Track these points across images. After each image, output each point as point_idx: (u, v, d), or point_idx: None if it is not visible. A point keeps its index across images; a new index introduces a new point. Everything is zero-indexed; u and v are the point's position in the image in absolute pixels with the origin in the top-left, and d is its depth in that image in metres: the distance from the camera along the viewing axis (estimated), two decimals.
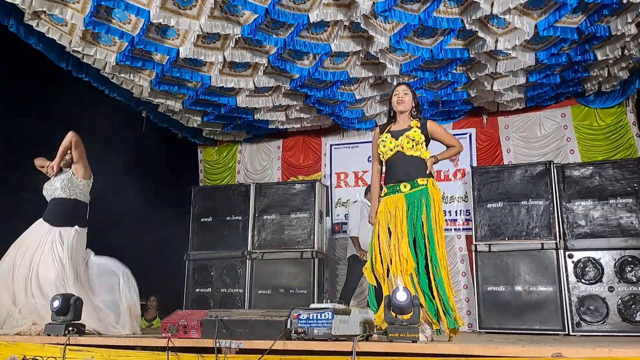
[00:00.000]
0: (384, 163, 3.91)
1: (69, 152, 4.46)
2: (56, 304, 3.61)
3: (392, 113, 3.97)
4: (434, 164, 3.78)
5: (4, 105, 5.78)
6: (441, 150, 3.93)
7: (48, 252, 4.21)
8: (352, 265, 6.42)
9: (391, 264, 3.58)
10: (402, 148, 3.74)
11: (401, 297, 2.92)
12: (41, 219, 4.41)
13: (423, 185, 3.68)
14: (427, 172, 3.73)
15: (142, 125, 7.38)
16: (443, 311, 3.52)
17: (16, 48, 5.63)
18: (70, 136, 4.38)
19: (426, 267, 3.55)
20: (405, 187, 3.70)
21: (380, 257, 3.67)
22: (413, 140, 3.73)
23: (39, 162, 4.62)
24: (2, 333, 3.86)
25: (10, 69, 5.83)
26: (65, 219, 4.36)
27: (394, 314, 2.92)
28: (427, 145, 3.82)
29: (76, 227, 4.39)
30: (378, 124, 3.90)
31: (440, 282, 3.54)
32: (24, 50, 5.65)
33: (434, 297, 3.53)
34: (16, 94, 5.99)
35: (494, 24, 5.43)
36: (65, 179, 4.41)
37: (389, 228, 3.67)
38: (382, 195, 3.85)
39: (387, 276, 3.64)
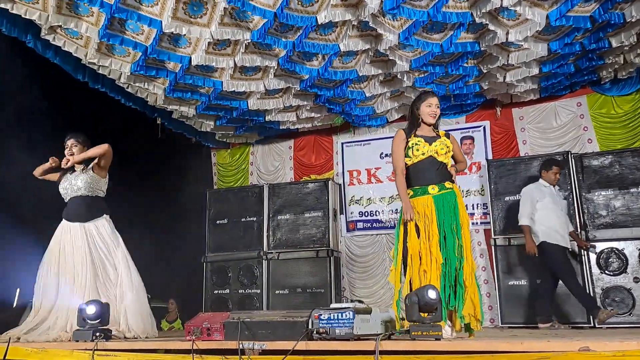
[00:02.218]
0: (408, 165, 3.90)
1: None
2: (85, 309, 3.68)
3: (417, 119, 3.94)
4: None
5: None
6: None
7: (89, 250, 4.37)
8: (542, 255, 5.49)
9: (420, 262, 3.61)
10: (436, 153, 3.82)
11: (432, 294, 2.94)
12: (65, 221, 4.50)
13: (450, 188, 3.78)
14: (453, 178, 3.85)
15: (157, 132, 7.45)
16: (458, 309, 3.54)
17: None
18: (106, 147, 4.53)
19: (455, 266, 3.60)
20: (433, 189, 3.76)
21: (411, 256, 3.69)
22: (447, 147, 3.85)
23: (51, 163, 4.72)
24: (32, 340, 3.94)
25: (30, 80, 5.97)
26: (93, 212, 4.51)
27: (424, 314, 2.92)
28: None
29: (105, 215, 4.57)
30: (402, 129, 3.98)
31: (461, 281, 3.57)
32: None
33: (457, 295, 3.55)
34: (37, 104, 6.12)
35: (505, 16, 5.38)
36: (88, 178, 4.53)
37: (417, 227, 3.70)
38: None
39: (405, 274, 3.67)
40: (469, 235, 3.75)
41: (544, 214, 5.49)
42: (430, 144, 3.82)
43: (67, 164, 4.49)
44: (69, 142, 4.59)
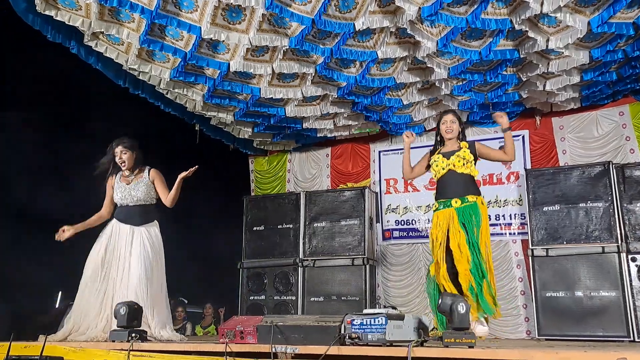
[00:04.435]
0: (435, 181, 4.43)
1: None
2: (122, 311, 3.78)
3: (440, 138, 4.49)
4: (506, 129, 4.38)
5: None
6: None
7: (138, 251, 4.51)
8: None
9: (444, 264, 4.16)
10: (454, 166, 4.23)
11: (462, 308, 2.94)
12: (115, 221, 4.66)
13: (472, 201, 4.16)
14: (503, 128, 4.37)
15: (196, 138, 7.58)
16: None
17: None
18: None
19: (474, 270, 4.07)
20: (456, 202, 4.15)
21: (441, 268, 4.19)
22: (464, 159, 4.22)
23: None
24: (72, 339, 4.07)
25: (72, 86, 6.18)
26: (146, 218, 4.69)
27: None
28: (475, 164, 4.32)
29: (155, 221, 4.75)
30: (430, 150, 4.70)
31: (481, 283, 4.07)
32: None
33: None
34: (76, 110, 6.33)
35: (545, 23, 5.31)
36: (146, 188, 4.70)
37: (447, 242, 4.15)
38: (433, 209, 4.39)
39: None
40: (489, 245, 4.19)
41: None
42: (448, 159, 4.25)
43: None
44: (118, 149, 4.69)
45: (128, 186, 4.68)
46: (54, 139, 6.32)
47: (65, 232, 4.54)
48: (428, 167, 4.64)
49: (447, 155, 4.28)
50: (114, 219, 4.69)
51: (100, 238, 4.60)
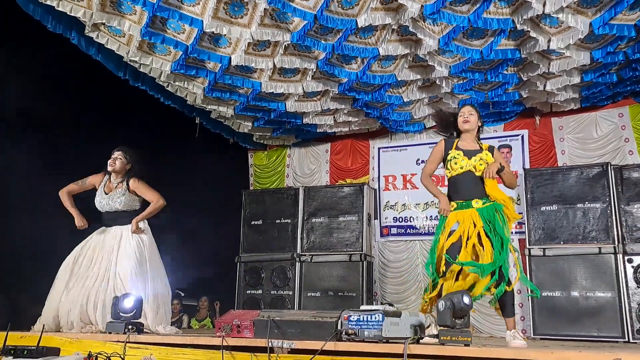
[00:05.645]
0: (446, 178, 4.06)
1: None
2: (118, 303, 3.79)
3: (456, 131, 4.13)
4: (498, 171, 3.88)
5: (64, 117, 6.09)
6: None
7: (127, 246, 4.48)
8: None
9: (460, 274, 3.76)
10: (474, 169, 3.90)
11: (466, 300, 2.94)
12: (103, 228, 4.66)
13: (493, 201, 3.85)
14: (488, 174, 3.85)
15: (195, 132, 7.58)
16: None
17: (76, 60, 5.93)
18: (161, 203, 4.68)
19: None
20: (477, 203, 3.84)
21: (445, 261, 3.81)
22: (487, 163, 3.90)
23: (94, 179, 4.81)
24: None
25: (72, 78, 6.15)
26: (131, 219, 4.61)
27: (456, 320, 2.92)
28: None
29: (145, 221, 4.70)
30: (445, 139, 4.15)
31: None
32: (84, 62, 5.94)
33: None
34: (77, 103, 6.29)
35: (547, 24, 5.31)
36: (125, 200, 4.65)
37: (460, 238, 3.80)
38: (450, 209, 3.96)
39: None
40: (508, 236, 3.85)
41: None
42: (469, 158, 3.92)
43: (136, 230, 4.56)
44: (117, 153, 4.70)
45: (107, 195, 4.66)
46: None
47: (83, 224, 4.58)
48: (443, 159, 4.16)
49: (468, 155, 3.94)
50: (102, 225, 4.70)
51: (82, 242, 4.60)
